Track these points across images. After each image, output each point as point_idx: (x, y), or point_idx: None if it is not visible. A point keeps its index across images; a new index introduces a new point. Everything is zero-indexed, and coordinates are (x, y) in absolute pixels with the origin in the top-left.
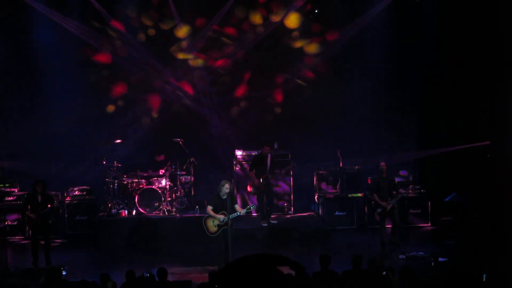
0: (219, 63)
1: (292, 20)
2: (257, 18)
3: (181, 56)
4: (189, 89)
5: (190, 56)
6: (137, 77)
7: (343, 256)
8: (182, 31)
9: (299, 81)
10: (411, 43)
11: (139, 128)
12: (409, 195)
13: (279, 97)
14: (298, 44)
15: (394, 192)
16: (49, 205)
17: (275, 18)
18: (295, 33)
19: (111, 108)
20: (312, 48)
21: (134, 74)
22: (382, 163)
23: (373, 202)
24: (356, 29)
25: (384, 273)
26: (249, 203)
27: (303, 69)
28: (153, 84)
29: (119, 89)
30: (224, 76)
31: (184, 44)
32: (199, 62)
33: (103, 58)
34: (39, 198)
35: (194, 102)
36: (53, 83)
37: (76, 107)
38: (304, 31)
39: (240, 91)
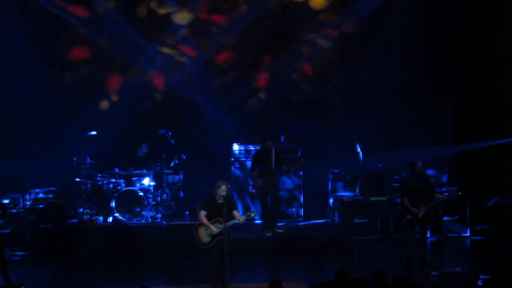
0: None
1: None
2: None
3: (163, 11)
4: (178, 70)
5: (173, 9)
6: (118, 60)
7: (363, 272)
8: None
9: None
10: (444, 19)
11: (117, 118)
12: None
13: (286, 80)
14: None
15: (431, 196)
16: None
17: None
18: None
19: (105, 104)
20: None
21: (115, 55)
22: (420, 163)
23: (401, 208)
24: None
25: None
26: (251, 208)
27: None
28: (134, 65)
29: (113, 84)
30: (224, 50)
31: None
32: (186, 17)
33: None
34: None
35: (184, 87)
36: (14, 63)
37: (42, 91)
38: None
39: (240, 73)
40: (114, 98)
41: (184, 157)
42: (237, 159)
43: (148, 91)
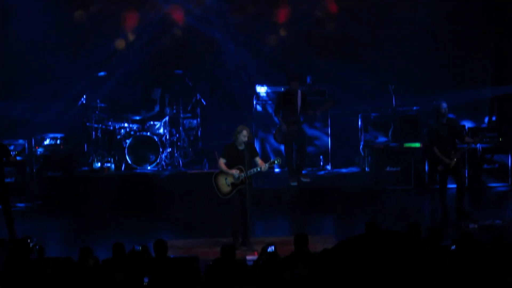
0: None
1: None
2: None
3: None
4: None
5: None
6: None
7: (396, 224)
8: None
9: None
10: None
11: (130, 57)
12: (483, 145)
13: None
14: None
15: (461, 141)
16: (3, 158)
17: None
18: None
19: (119, 43)
20: None
21: None
22: (444, 105)
23: (431, 158)
24: None
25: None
26: (274, 155)
27: None
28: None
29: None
30: None
31: None
32: None
33: None
34: None
35: (202, 23)
36: None
37: (50, 30)
38: None
39: (261, 8)
40: (130, 36)
41: (203, 101)
42: (260, 100)
43: (164, 28)
